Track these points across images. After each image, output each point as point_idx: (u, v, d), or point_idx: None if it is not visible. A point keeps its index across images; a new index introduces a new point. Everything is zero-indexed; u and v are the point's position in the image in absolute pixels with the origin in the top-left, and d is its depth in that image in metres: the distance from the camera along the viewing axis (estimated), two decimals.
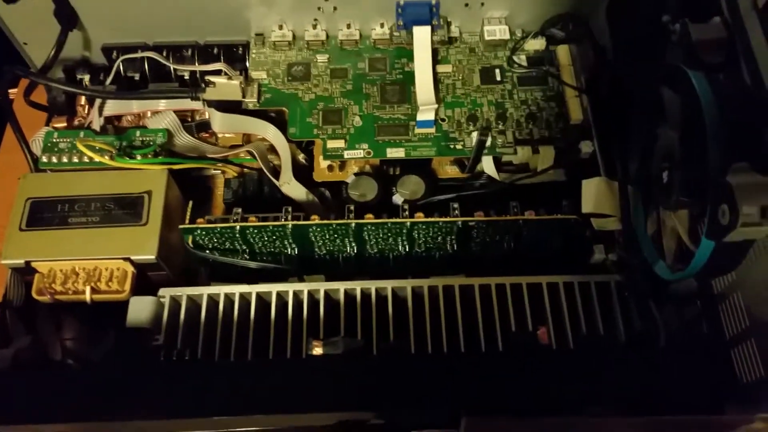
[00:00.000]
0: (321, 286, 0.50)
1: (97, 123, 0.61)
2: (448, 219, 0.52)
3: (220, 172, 0.64)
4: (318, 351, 0.42)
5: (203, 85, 0.60)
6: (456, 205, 0.53)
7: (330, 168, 0.60)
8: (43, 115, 0.66)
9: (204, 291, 0.49)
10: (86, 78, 0.64)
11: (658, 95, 0.48)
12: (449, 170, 0.61)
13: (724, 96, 0.39)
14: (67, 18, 0.60)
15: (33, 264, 0.52)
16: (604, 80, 0.59)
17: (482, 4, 0.62)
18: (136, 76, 0.64)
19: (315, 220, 0.52)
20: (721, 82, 0.41)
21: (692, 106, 0.41)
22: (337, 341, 0.43)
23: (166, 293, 0.50)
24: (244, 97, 0.60)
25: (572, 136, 0.58)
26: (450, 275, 0.55)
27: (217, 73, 0.60)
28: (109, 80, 0.61)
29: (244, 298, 0.50)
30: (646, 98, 0.50)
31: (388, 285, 0.50)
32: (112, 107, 0.61)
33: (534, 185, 0.59)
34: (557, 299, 0.50)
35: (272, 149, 0.62)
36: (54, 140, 0.59)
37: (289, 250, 0.55)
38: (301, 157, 0.62)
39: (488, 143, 0.58)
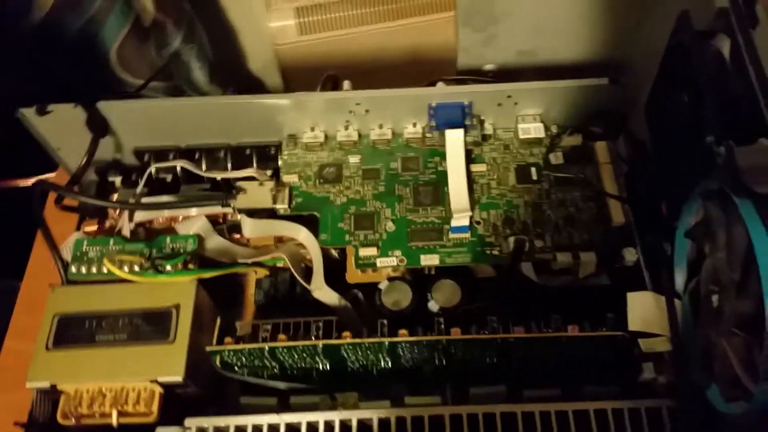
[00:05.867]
0: (353, 415, 0.48)
1: (127, 229, 0.60)
2: (486, 336, 0.50)
3: (252, 271, 0.63)
4: None
5: (234, 192, 0.59)
6: (494, 318, 0.51)
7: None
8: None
9: (231, 422, 0.48)
10: (118, 180, 0.64)
11: (704, 211, 0.46)
12: (486, 269, 0.59)
13: None
14: (99, 126, 0.60)
15: (59, 387, 0.51)
16: (643, 184, 0.57)
17: (516, 103, 0.60)
18: (168, 178, 0.63)
19: (347, 337, 0.50)
20: None
21: (742, 236, 0.38)
22: None
23: (192, 424, 0.48)
24: (275, 203, 0.59)
25: (614, 241, 0.56)
26: (489, 385, 0.53)
27: (249, 179, 0.60)
28: (139, 187, 0.61)
29: (274, 429, 0.48)
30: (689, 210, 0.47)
31: (425, 413, 0.47)
32: (143, 214, 0.61)
33: (575, 288, 0.57)
34: (605, 427, 0.47)
35: (304, 247, 0.61)
36: (84, 249, 0.58)
37: (320, 365, 0.53)
38: (333, 250, 0.60)
39: (526, 248, 0.56)
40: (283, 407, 0.53)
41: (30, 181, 0.89)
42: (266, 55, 1.06)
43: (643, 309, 0.50)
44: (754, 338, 0.37)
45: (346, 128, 0.62)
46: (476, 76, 0.71)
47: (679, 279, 0.50)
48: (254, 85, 1.15)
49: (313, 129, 0.62)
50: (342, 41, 0.97)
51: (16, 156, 0.85)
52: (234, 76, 1.10)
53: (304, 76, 0.99)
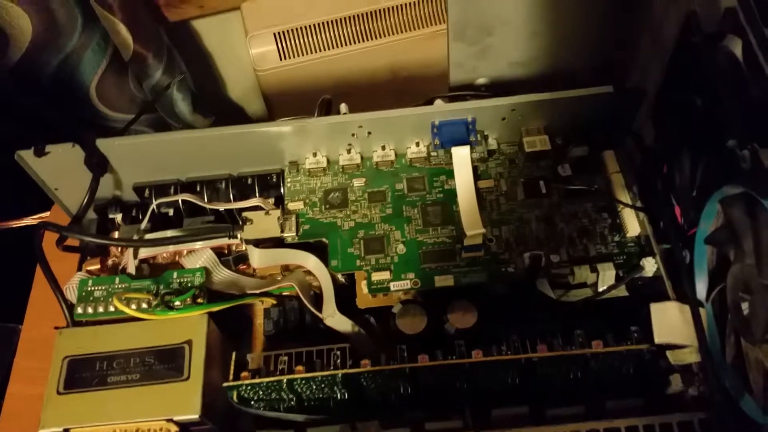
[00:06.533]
0: None
1: (132, 266, 0.59)
2: (510, 357, 0.48)
3: (259, 300, 0.61)
4: None
5: (240, 223, 0.58)
6: (516, 338, 0.50)
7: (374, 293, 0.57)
8: None
9: None
10: (118, 217, 0.63)
11: (725, 216, 0.45)
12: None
13: None
14: (98, 165, 0.58)
15: (72, 431, 0.49)
16: (656, 191, 0.56)
17: (520, 116, 0.60)
18: (170, 212, 0.62)
19: (366, 365, 0.49)
20: None
21: None
22: None
23: None
24: (282, 231, 0.58)
25: (631, 251, 0.55)
26: (510, 406, 0.51)
27: (254, 208, 0.58)
28: (144, 223, 0.60)
29: None
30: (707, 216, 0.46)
31: None
32: (147, 250, 0.59)
33: (593, 302, 0.56)
34: None
35: (312, 273, 0.60)
36: (89, 289, 0.57)
37: (338, 395, 0.52)
38: (339, 275, 0.59)
39: (542, 263, 0.55)
40: None
41: (22, 222, 0.87)
42: (247, 82, 1.06)
43: (668, 320, 0.49)
44: None
45: (349, 152, 0.62)
46: (469, 91, 0.71)
47: (701, 287, 0.49)
48: (236, 113, 1.15)
49: (315, 154, 0.62)
50: (322, 64, 0.97)
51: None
52: (215, 104, 1.09)
53: (287, 100, 0.99)
